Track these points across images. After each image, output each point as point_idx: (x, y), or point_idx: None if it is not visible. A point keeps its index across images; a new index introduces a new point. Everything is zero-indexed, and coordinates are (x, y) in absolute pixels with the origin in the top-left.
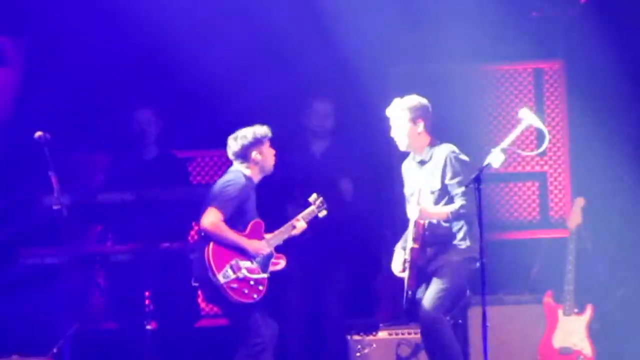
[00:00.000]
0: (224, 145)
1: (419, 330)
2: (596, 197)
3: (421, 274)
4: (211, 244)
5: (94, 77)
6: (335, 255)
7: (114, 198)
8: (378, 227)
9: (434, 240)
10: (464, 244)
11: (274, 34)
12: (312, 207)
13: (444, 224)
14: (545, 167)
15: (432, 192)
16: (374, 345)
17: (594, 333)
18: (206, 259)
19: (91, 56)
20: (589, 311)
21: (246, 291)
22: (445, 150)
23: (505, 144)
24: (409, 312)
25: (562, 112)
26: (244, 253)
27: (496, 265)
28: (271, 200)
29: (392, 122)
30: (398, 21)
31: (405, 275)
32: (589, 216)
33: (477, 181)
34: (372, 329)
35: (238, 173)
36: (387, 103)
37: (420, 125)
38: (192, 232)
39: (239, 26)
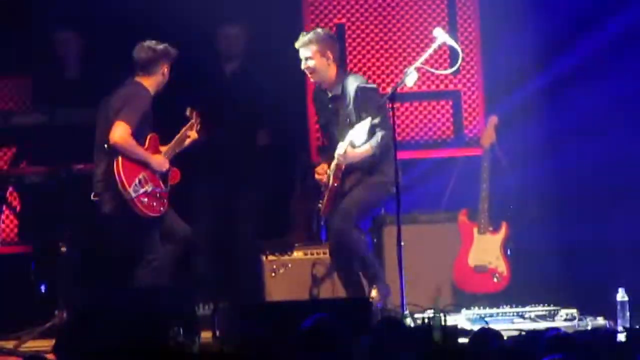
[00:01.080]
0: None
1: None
2: (509, 114)
3: (337, 200)
4: (120, 158)
5: None
6: (246, 175)
7: (27, 119)
8: (293, 149)
9: (356, 169)
10: (379, 169)
11: None
12: (192, 120)
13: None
14: (459, 86)
15: (350, 125)
16: (289, 265)
17: (509, 250)
18: (116, 172)
19: None
20: (503, 229)
21: (154, 204)
22: (354, 82)
23: (418, 62)
24: (320, 235)
25: (475, 31)
26: (148, 167)
27: (410, 183)
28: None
29: (301, 55)
30: None
31: (321, 201)
32: (502, 134)
33: (391, 100)
34: (287, 249)
35: (140, 85)
36: (301, 29)
37: (330, 57)
38: None
39: None
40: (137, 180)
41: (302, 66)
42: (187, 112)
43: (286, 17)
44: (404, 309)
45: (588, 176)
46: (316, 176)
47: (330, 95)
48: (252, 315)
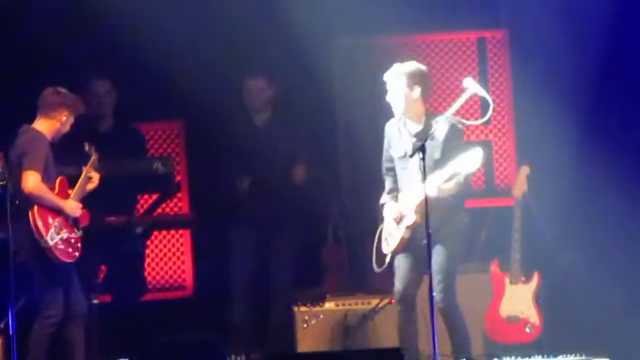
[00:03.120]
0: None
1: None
2: (541, 164)
3: (411, 242)
4: (35, 207)
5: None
6: (281, 226)
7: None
8: (324, 196)
9: (437, 210)
10: (462, 213)
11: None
12: (93, 157)
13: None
14: (490, 136)
15: (435, 162)
16: (321, 316)
17: (541, 301)
18: (32, 222)
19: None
20: (535, 279)
21: (70, 250)
22: (446, 120)
23: (449, 113)
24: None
25: (506, 81)
26: (62, 213)
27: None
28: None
29: (389, 87)
30: None
31: (393, 241)
32: (534, 184)
33: (422, 150)
34: (319, 299)
35: (34, 131)
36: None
37: (417, 92)
38: (138, 206)
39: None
40: (52, 228)
41: (397, 110)
42: (86, 148)
43: (320, 66)
44: (436, 359)
45: (623, 225)
46: (393, 218)
47: (416, 129)
48: None
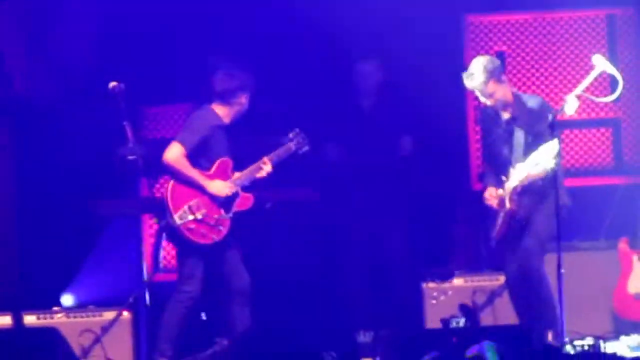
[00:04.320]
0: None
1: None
2: None
3: (512, 224)
4: (172, 182)
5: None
6: (398, 205)
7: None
8: (451, 174)
9: (530, 192)
10: (551, 193)
11: None
12: (286, 145)
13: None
14: (619, 113)
15: (527, 143)
16: (450, 293)
17: None
18: (165, 197)
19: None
20: None
21: (204, 232)
22: (534, 102)
23: (578, 90)
24: (488, 260)
25: (636, 58)
26: (205, 192)
27: (571, 212)
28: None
29: (482, 94)
30: None
31: (498, 223)
32: None
33: (552, 128)
34: (447, 276)
35: (208, 109)
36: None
37: (504, 80)
38: None
39: None
40: (186, 207)
41: (488, 103)
42: (290, 134)
43: (447, 45)
44: (564, 336)
45: None
46: (486, 201)
47: (505, 115)
48: (413, 343)
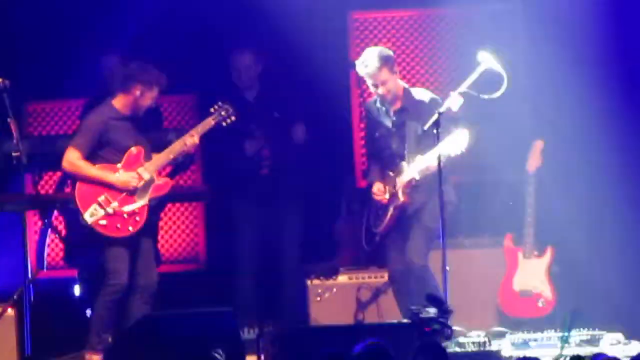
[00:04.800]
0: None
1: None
2: (555, 138)
3: (401, 218)
4: (77, 183)
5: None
6: (289, 198)
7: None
8: (335, 171)
9: (420, 186)
10: (448, 188)
11: None
12: (208, 118)
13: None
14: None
15: (418, 136)
16: (334, 290)
17: (554, 275)
18: (73, 198)
19: None
20: (548, 253)
21: (119, 225)
22: (425, 95)
23: (463, 87)
24: (372, 254)
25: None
26: (113, 187)
27: (456, 208)
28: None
29: (375, 81)
30: None
31: (381, 222)
32: (547, 158)
33: (436, 125)
34: (332, 273)
35: (104, 105)
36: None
37: (397, 72)
38: None
39: None
40: (95, 204)
41: (379, 91)
42: (212, 108)
43: (333, 40)
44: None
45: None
46: (375, 196)
47: (394, 108)
48: (298, 340)
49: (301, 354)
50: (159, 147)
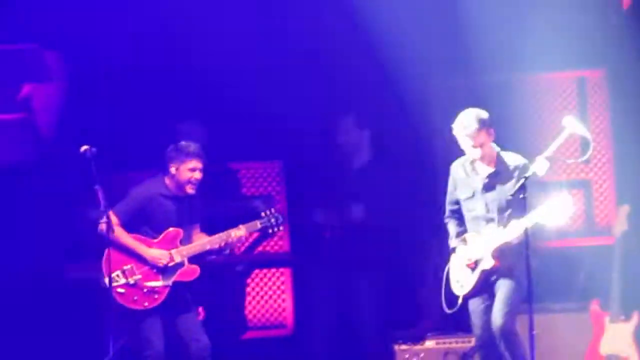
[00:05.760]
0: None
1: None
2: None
3: (484, 283)
4: (109, 249)
5: (136, 91)
6: (362, 264)
7: None
8: (420, 234)
9: (508, 250)
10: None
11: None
12: (256, 221)
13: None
14: (590, 175)
15: (507, 201)
16: (422, 355)
17: None
18: (101, 262)
19: (133, 70)
20: (635, 318)
21: (136, 298)
22: (518, 160)
23: (549, 152)
24: (456, 321)
25: (605, 120)
26: (143, 260)
27: (543, 273)
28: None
29: (472, 143)
30: (441, 32)
31: (468, 285)
32: (634, 223)
33: (522, 190)
34: (419, 338)
35: (154, 179)
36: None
37: (492, 134)
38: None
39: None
40: (119, 271)
41: (476, 154)
42: (264, 213)
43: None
44: None
45: None
46: (467, 263)
47: (487, 170)
48: None
49: None
50: (242, 215)
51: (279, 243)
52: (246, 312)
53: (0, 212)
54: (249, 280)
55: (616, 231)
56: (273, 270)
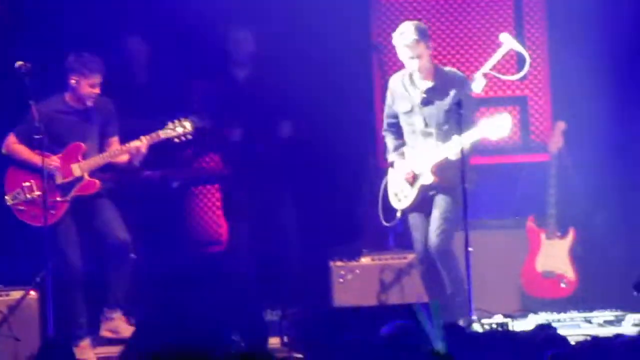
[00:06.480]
0: None
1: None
2: (577, 120)
3: (422, 199)
4: (11, 167)
5: None
6: (282, 187)
7: None
8: (358, 153)
9: (447, 169)
10: (472, 171)
11: None
12: (159, 131)
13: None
14: (526, 91)
15: (445, 115)
16: (357, 271)
17: (577, 256)
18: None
19: None
20: (571, 234)
21: (35, 214)
22: (457, 74)
23: (485, 68)
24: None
25: (542, 36)
26: (41, 175)
27: (478, 190)
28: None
29: (411, 54)
30: None
31: (407, 199)
32: (569, 139)
33: (458, 105)
34: (355, 255)
35: (55, 97)
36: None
37: (430, 48)
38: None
39: None
40: (19, 189)
41: (414, 65)
42: (172, 122)
43: (354, 20)
44: (472, 314)
45: None
46: (405, 177)
47: (425, 84)
48: (321, 321)
49: (324, 335)
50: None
51: (215, 159)
52: (182, 229)
53: None
54: (184, 198)
55: (552, 148)
56: (209, 187)
